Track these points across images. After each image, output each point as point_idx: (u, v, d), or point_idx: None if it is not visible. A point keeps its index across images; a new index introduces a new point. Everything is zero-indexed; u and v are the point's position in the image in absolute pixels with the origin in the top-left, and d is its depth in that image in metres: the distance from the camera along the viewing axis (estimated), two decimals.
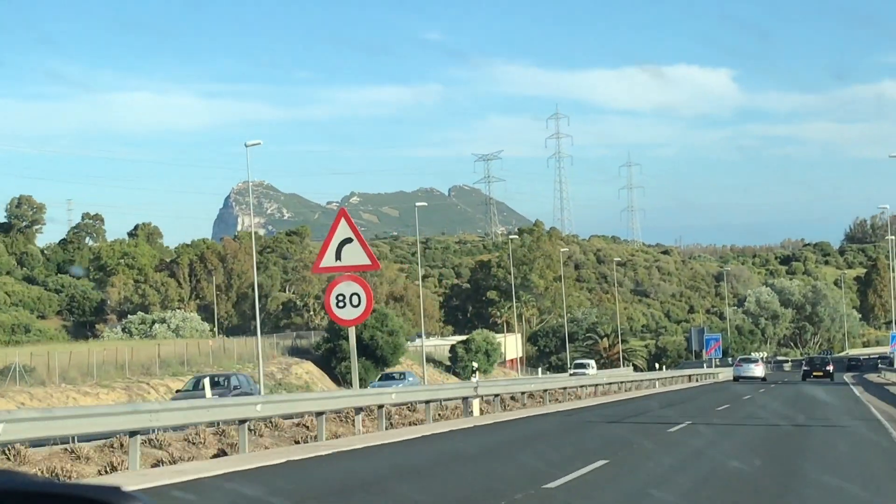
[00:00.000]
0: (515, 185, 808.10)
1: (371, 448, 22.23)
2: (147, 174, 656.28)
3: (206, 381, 39.28)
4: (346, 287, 26.77)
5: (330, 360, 79.58)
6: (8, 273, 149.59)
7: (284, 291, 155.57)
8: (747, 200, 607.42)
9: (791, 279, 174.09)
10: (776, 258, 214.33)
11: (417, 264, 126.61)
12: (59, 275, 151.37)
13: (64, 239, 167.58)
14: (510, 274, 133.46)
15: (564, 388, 48.74)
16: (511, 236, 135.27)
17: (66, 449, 19.04)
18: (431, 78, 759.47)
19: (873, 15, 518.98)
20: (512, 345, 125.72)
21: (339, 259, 27.04)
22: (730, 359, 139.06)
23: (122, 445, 19.29)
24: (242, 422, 21.49)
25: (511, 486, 14.81)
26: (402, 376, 59.20)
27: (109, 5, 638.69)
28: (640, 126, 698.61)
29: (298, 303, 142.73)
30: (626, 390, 60.33)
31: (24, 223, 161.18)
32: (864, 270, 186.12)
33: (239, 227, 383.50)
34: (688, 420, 30.82)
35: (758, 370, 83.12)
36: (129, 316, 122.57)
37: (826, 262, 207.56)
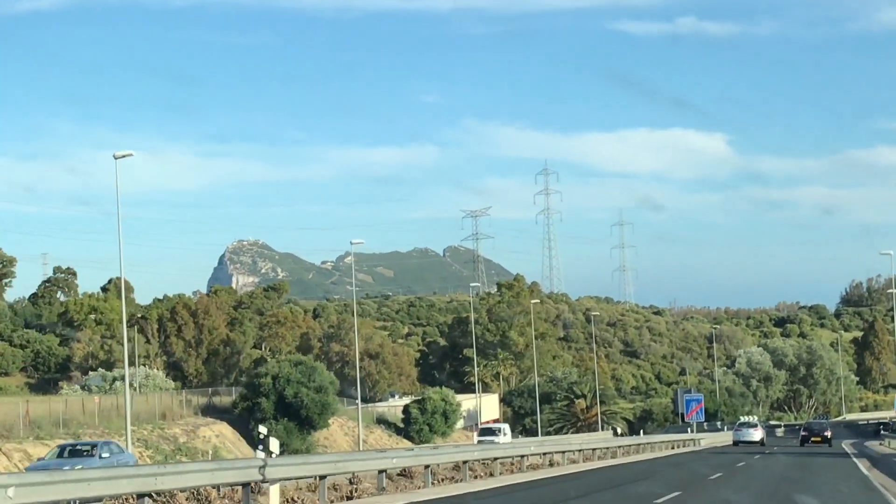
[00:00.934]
0: (509, 245, 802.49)
1: None
2: (138, 233, 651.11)
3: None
4: None
5: (248, 422, 70.15)
6: None
7: (259, 348, 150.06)
8: (742, 263, 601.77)
9: (785, 341, 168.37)
10: (770, 320, 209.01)
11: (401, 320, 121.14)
12: (25, 330, 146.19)
13: (35, 293, 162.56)
14: (488, 331, 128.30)
15: (464, 462, 35.86)
16: (489, 292, 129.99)
17: None
18: (427, 139, 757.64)
19: (868, 82, 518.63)
20: (489, 406, 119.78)
21: None
22: (718, 423, 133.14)
23: None
24: None
25: None
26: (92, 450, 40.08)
27: (103, 64, 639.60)
28: (635, 188, 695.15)
29: (270, 360, 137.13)
30: (570, 461, 49.57)
31: None
32: (861, 333, 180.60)
33: (234, 286, 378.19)
34: None
35: (756, 434, 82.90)
36: (89, 373, 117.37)
37: (822, 325, 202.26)
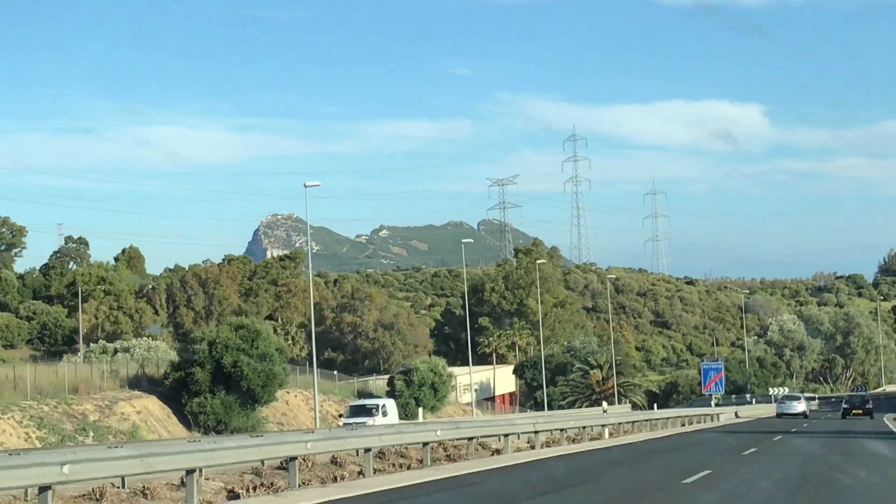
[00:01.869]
0: (542, 216, 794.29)
1: None
2: (175, 208, 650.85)
3: None
4: None
5: (180, 395, 58.57)
6: None
7: (275, 319, 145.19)
8: (778, 235, 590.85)
9: (821, 308, 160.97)
10: (807, 290, 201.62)
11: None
12: (32, 301, 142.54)
13: (45, 264, 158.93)
14: (504, 299, 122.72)
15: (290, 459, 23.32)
16: (505, 258, 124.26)
17: None
18: (460, 113, 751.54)
19: None
20: (503, 378, 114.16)
21: None
22: (748, 395, 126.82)
23: None
24: None
25: None
26: None
27: (137, 41, 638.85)
28: (668, 160, 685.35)
29: (279, 331, 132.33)
30: (517, 449, 36.98)
31: (2, 247, 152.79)
32: None
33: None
34: None
35: (800, 407, 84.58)
36: (90, 345, 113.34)
37: (860, 294, 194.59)
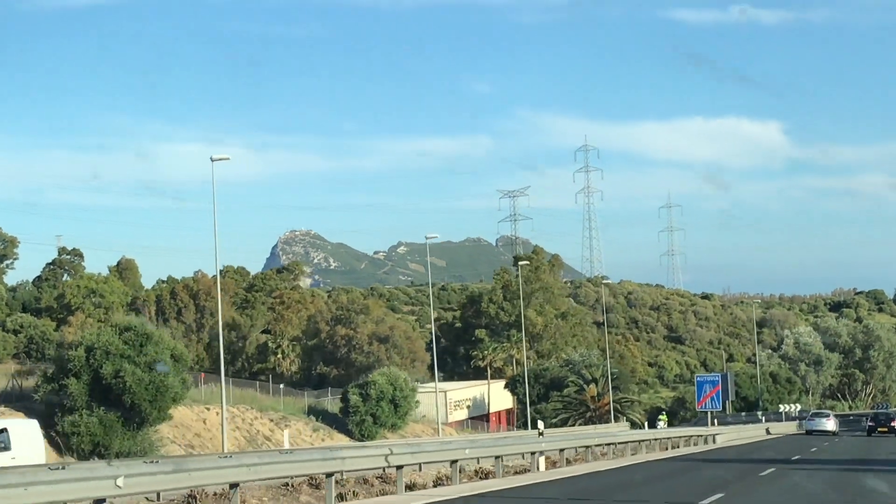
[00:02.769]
0: (557, 231, 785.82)
1: None
2: (194, 223, 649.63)
3: None
4: None
5: (53, 413, 48.87)
6: None
7: (270, 333, 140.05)
8: (798, 250, 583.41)
9: (839, 321, 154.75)
10: (825, 304, 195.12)
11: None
12: (20, 314, 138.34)
13: (38, 276, 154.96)
14: (502, 310, 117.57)
15: None
16: (504, 268, 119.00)
17: None
18: (480, 129, 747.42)
19: None
20: (499, 394, 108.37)
21: None
22: (759, 412, 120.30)
23: None
24: None
25: None
26: None
27: (158, 59, 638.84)
28: (688, 176, 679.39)
29: (271, 345, 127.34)
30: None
31: None
32: None
33: None
34: None
35: (829, 424, 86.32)
36: None
37: (880, 310, 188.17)
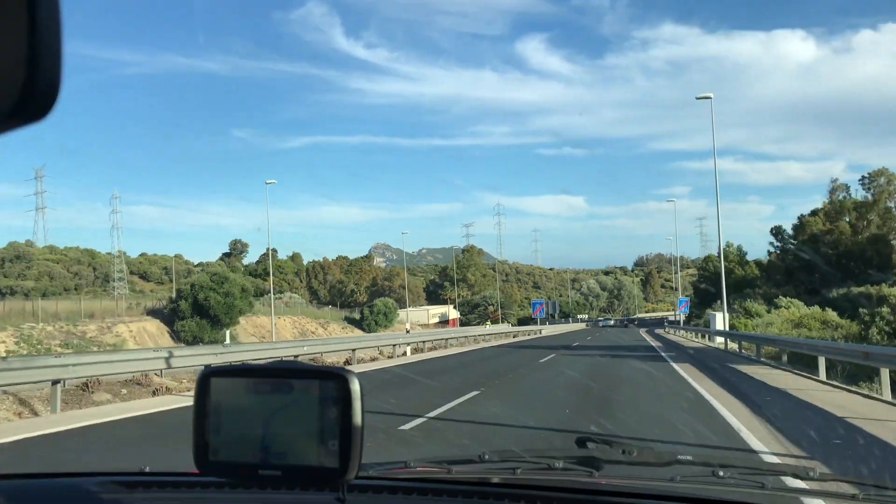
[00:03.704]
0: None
1: None
2: None
3: None
4: None
5: (173, 320, 76.42)
6: None
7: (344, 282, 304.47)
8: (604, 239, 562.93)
9: (606, 277, 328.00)
10: (603, 273, 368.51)
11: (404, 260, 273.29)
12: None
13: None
14: (457, 274, 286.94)
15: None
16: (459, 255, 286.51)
17: None
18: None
19: None
20: (452, 312, 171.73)
21: None
22: (570, 318, 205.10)
23: None
24: None
25: None
26: None
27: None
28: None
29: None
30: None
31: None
32: (643, 275, 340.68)
33: None
34: None
35: (610, 323, 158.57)
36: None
37: (625, 273, 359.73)
